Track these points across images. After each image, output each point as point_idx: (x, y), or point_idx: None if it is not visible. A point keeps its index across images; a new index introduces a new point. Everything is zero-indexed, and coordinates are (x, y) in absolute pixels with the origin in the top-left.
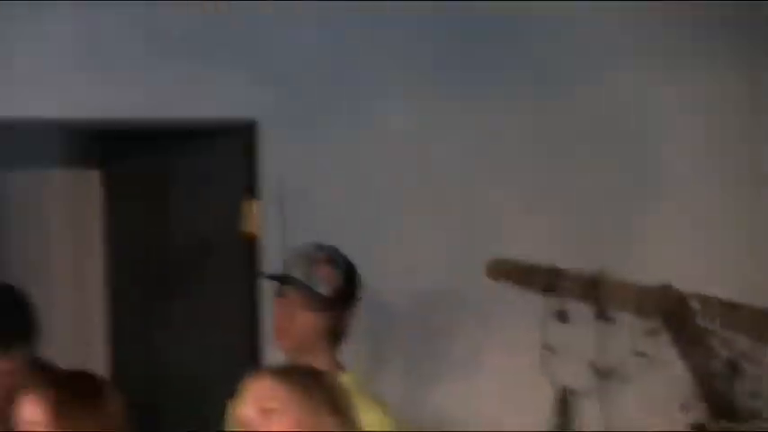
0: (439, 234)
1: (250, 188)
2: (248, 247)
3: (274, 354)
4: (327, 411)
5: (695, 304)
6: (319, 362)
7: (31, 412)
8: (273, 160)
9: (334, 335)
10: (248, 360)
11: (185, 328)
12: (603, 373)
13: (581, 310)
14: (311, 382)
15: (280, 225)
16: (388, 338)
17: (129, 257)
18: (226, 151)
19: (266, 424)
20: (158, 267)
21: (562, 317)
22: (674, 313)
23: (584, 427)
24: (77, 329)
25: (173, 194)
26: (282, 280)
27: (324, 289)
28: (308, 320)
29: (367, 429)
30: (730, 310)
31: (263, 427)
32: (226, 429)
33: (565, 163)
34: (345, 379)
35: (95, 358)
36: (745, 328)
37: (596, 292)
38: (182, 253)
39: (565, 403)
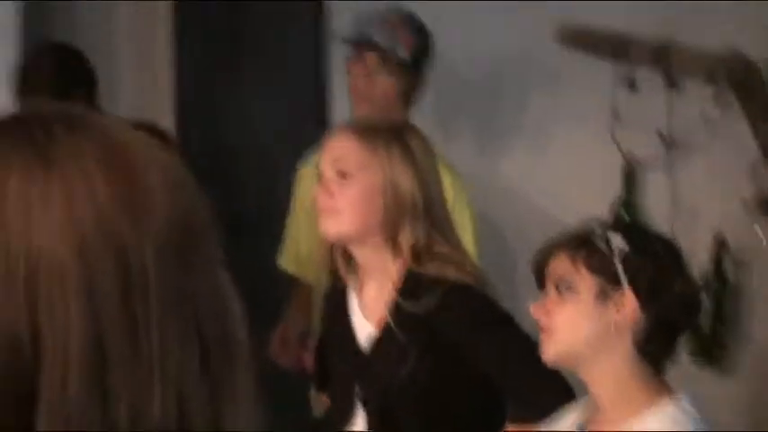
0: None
1: None
2: (318, 10)
3: (343, 118)
4: (407, 173)
5: (764, 70)
6: None
7: None
8: None
9: (409, 99)
10: (316, 125)
11: (253, 94)
12: (671, 142)
13: (650, 79)
14: (393, 142)
15: None
16: (456, 105)
17: (199, 18)
18: None
19: (343, 185)
20: (229, 28)
21: (631, 84)
22: (742, 80)
23: (650, 198)
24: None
25: None
26: (362, 43)
27: (403, 52)
28: (386, 84)
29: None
30: None
31: (338, 189)
32: (294, 193)
33: None
34: None
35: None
36: None
37: (666, 59)
38: (254, 17)
39: (632, 173)
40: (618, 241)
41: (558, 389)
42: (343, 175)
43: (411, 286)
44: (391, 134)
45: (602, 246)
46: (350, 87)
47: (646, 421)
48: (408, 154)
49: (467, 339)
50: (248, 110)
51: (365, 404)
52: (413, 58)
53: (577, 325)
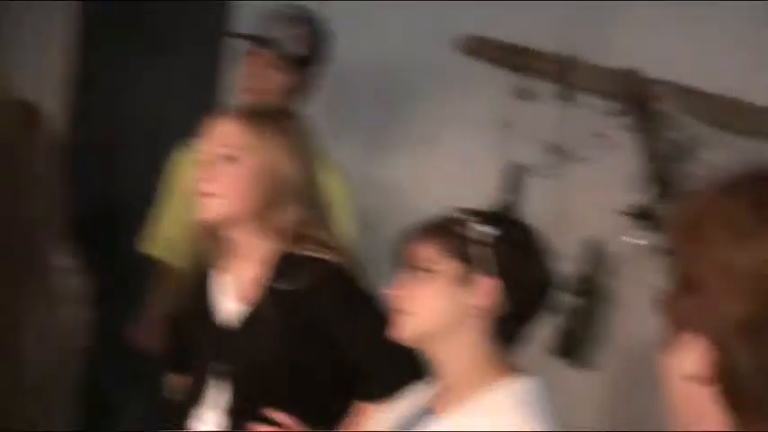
0: (412, 6)
1: None
2: (220, 8)
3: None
4: (289, 157)
5: (658, 89)
6: None
7: None
8: None
9: (299, 96)
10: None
11: (151, 82)
12: (559, 152)
13: (547, 90)
14: (277, 127)
15: None
16: (349, 106)
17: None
18: None
19: (227, 168)
20: (133, 18)
21: (527, 95)
22: (635, 96)
23: (533, 204)
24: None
25: None
26: (257, 39)
27: (298, 48)
28: (278, 80)
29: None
30: (690, 96)
31: (223, 170)
32: (168, 179)
33: None
34: None
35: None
36: (704, 114)
37: (565, 74)
38: (156, 12)
39: (517, 179)
40: (478, 227)
41: (407, 369)
42: (228, 158)
43: (283, 267)
44: (275, 119)
45: (463, 231)
46: (242, 81)
47: (490, 395)
48: (291, 139)
49: (333, 317)
50: (141, 101)
51: (230, 382)
52: (308, 55)
53: (434, 307)
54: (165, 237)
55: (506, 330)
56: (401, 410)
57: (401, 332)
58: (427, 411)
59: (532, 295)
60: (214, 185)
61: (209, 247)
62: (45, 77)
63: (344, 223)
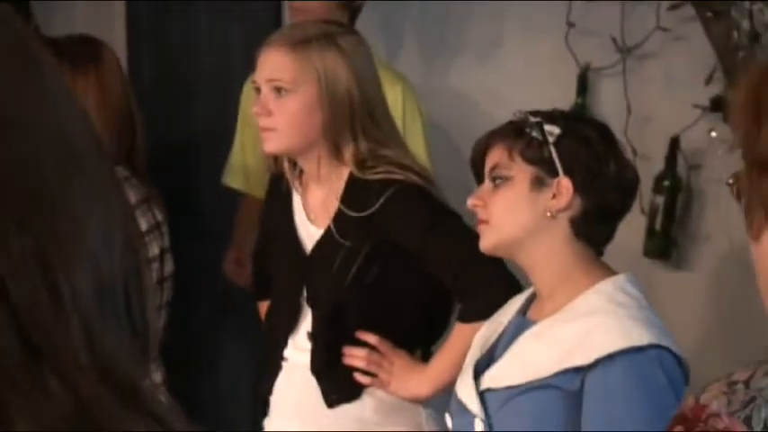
0: None
1: None
2: None
3: None
4: (346, 77)
5: None
6: None
7: None
8: None
9: (349, 10)
10: None
11: (208, 18)
12: (626, 50)
13: None
14: (326, 47)
15: None
16: (405, 17)
17: None
18: None
19: (280, 101)
20: None
21: None
22: None
23: (606, 105)
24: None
25: None
26: None
27: None
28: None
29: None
30: None
31: (277, 104)
32: (241, 110)
33: None
34: None
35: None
36: None
37: None
38: None
39: (586, 80)
40: (551, 129)
41: (503, 282)
42: (279, 90)
43: (355, 193)
44: (324, 40)
45: (537, 134)
46: (288, 6)
47: (583, 298)
48: (343, 57)
49: (414, 239)
50: (201, 33)
51: (313, 306)
52: None
53: (514, 213)
54: (242, 167)
55: (588, 230)
56: (497, 321)
57: (484, 243)
58: (522, 319)
59: (608, 192)
60: (270, 120)
61: (284, 169)
62: (101, 20)
63: (417, 138)
